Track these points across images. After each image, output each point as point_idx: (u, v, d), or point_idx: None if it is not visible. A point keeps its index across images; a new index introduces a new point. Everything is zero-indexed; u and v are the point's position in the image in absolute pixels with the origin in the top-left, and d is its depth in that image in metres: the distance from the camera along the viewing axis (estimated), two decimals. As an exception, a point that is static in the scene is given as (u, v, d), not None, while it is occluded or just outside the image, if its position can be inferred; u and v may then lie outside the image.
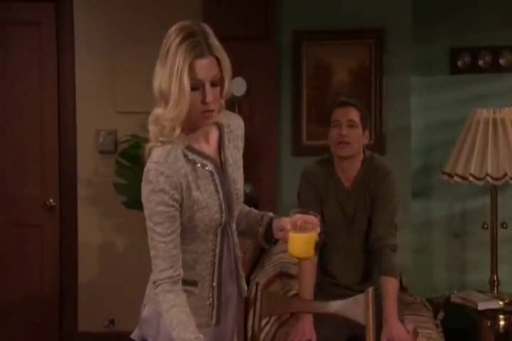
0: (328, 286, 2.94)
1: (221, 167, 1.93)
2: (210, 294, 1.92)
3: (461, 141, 3.94)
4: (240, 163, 2.02)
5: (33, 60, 4.34)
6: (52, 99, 4.34)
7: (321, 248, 2.97)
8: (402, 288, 3.30)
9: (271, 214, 2.08)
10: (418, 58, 4.25)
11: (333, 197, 2.90)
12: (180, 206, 1.83)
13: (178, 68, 1.77)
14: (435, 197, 4.33)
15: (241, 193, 1.98)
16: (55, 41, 4.33)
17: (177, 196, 1.81)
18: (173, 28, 1.83)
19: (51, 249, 4.36)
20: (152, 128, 1.86)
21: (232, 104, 4.17)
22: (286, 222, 1.96)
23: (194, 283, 1.90)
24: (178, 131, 1.84)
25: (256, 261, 3.42)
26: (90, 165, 4.36)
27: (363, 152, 2.92)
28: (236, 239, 2.01)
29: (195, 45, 1.79)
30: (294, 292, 3.12)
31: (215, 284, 1.92)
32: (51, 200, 4.33)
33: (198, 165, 1.87)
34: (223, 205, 1.90)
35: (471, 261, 4.30)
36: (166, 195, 1.79)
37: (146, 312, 1.96)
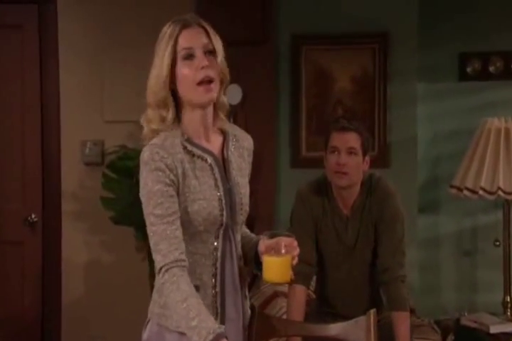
0: (327, 316, 2.94)
1: (223, 166, 1.98)
2: (214, 302, 1.93)
3: (471, 152, 3.96)
4: (245, 172, 2.09)
5: (14, 66, 4.35)
6: (34, 107, 4.35)
7: (321, 280, 2.97)
8: (409, 310, 3.30)
9: (262, 236, 2.08)
10: (424, 64, 4.27)
11: (331, 226, 2.88)
12: (178, 191, 1.86)
13: (166, 44, 1.87)
14: (443, 212, 4.34)
15: (246, 201, 2.02)
16: (37, 45, 4.34)
17: (173, 177, 1.85)
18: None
19: (33, 268, 4.35)
20: (144, 129, 1.94)
21: (227, 113, 4.19)
22: (261, 244, 1.97)
23: (195, 288, 1.90)
24: (170, 115, 1.90)
25: (251, 281, 3.42)
26: (75, 178, 4.36)
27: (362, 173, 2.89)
28: (240, 251, 2.03)
29: (183, 21, 1.91)
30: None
31: (218, 290, 1.93)
32: (33, 216, 4.33)
33: (197, 156, 1.92)
34: (223, 201, 1.92)
35: (482, 280, 4.30)
36: (163, 173, 1.84)
37: (148, 331, 1.96)
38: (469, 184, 3.90)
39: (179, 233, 1.85)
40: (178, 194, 1.87)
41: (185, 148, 1.90)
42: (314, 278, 3.04)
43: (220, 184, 1.93)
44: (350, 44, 4.22)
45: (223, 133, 2.03)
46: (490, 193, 3.85)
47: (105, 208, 3.97)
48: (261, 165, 4.22)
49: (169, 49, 1.87)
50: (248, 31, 4.11)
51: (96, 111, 4.34)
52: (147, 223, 1.87)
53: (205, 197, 1.89)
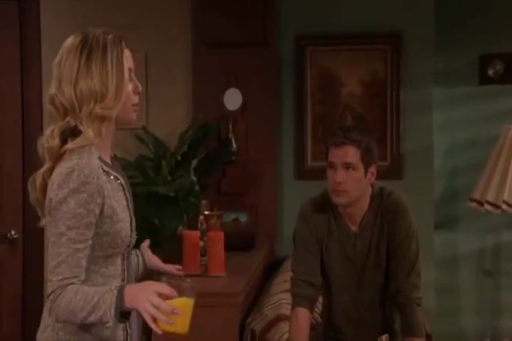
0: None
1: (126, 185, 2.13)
2: (124, 324, 2.05)
3: (493, 162, 4.00)
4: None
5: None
6: (15, 115, 4.37)
7: (327, 303, 3.01)
8: (425, 335, 3.33)
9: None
10: (441, 67, 4.33)
11: (337, 245, 2.90)
12: (100, 214, 1.97)
13: (115, 59, 2.01)
14: (462, 228, 4.39)
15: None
16: (18, 47, 4.37)
17: (99, 200, 1.96)
18: (79, 38, 2.06)
19: (12, 289, 4.37)
20: (93, 128, 2.01)
21: (226, 120, 4.25)
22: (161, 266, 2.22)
23: None
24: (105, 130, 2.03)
25: (252, 303, 3.46)
26: (59, 191, 4.38)
27: (371, 186, 2.89)
28: (141, 268, 2.24)
29: (119, 37, 2.07)
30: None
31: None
32: (13, 232, 4.35)
33: (113, 177, 2.05)
34: (133, 222, 2.07)
35: (506, 303, 4.34)
36: (89, 197, 1.94)
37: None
38: (491, 197, 3.94)
39: (84, 262, 1.96)
40: (101, 213, 1.98)
41: (102, 167, 2.02)
42: (321, 300, 3.07)
43: (130, 204, 2.09)
44: (360, 45, 4.28)
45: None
46: (514, 207, 3.89)
47: (92, 224, 4.01)
48: (262, 176, 4.28)
49: (124, 64, 2.02)
50: (248, 32, 4.15)
51: (82, 119, 4.37)
52: (53, 239, 1.96)
53: (123, 219, 2.03)
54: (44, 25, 4.38)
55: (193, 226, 3.67)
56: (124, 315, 1.88)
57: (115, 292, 1.87)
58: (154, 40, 4.30)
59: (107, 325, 1.89)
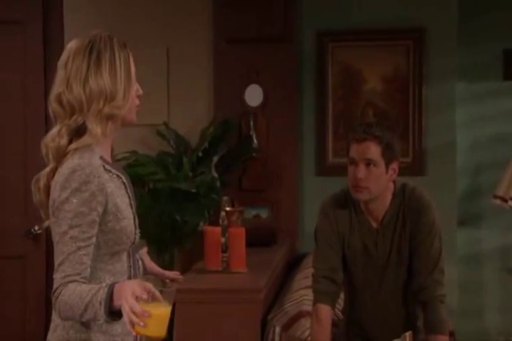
0: (357, 340, 3.00)
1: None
2: None
3: (517, 159, 3.99)
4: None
5: (15, 66, 4.43)
6: (37, 111, 4.39)
7: (349, 300, 3.02)
8: (449, 332, 3.33)
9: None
10: (465, 62, 4.33)
11: (359, 241, 2.91)
12: (104, 212, 2.01)
13: (123, 60, 2.08)
14: (486, 225, 4.38)
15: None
16: (41, 43, 4.42)
17: (101, 199, 2.00)
18: (86, 40, 2.11)
19: (36, 285, 4.42)
20: (101, 127, 2.05)
21: (247, 116, 4.27)
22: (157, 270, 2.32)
23: None
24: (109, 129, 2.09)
25: (273, 299, 3.48)
26: (81, 187, 4.41)
27: (394, 182, 2.90)
28: (142, 269, 2.24)
29: (124, 42, 2.14)
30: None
31: None
32: (36, 228, 4.39)
33: (115, 175, 2.10)
34: (136, 220, 2.12)
35: (530, 301, 4.33)
36: (91, 196, 1.98)
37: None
38: (515, 194, 3.94)
39: (87, 260, 1.99)
40: (104, 211, 2.02)
41: (103, 166, 2.07)
42: (342, 296, 3.08)
43: (132, 202, 2.14)
44: (382, 41, 4.28)
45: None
46: (538, 204, 3.88)
47: (114, 219, 4.04)
48: (283, 173, 4.29)
49: (131, 66, 2.09)
50: (269, 28, 4.17)
51: (104, 115, 4.40)
52: (57, 239, 2.00)
53: (127, 216, 2.08)
54: (67, 21, 4.42)
55: (214, 222, 3.69)
56: (117, 313, 1.87)
57: (105, 289, 1.89)
58: (175, 37, 4.33)
59: (99, 322, 1.91)
